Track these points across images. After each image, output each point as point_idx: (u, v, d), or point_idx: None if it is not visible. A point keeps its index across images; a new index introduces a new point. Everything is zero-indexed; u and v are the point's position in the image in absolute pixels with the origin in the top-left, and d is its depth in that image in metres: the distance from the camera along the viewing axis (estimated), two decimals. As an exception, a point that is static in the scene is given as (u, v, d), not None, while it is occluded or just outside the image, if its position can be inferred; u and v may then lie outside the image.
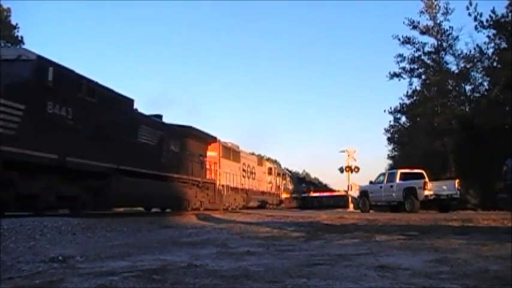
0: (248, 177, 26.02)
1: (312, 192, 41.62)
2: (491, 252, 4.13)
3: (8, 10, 26.12)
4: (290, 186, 37.88)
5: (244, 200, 24.68)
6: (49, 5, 76.99)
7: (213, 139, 20.02)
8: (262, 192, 29.13)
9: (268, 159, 43.03)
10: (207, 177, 18.78)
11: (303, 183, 45.48)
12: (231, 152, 23.62)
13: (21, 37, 26.41)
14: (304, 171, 71.32)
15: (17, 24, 26.42)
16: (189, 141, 16.99)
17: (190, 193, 16.91)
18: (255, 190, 27.13)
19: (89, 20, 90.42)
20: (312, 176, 72.93)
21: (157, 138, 14.22)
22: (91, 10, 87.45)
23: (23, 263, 3.67)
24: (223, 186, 20.89)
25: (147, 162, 13.26)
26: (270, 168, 32.50)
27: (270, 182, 31.66)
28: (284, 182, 35.91)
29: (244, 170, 25.23)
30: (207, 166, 19.08)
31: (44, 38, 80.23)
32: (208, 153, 19.51)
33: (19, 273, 3.19)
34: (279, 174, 34.95)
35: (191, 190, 16.98)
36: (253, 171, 27.33)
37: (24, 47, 25.60)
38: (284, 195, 36.37)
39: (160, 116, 15.85)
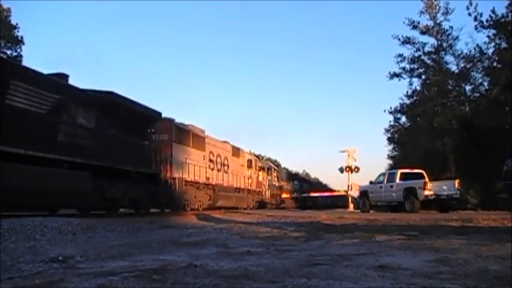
0: (218, 170, 21.32)
1: (312, 192, 41.61)
2: (491, 252, 4.13)
3: (8, 10, 26.16)
4: (277, 183, 33.89)
5: (210, 198, 20.11)
6: (49, 5, 77.02)
7: (159, 116, 15.18)
8: (238, 189, 24.37)
9: (262, 159, 39.59)
10: (152, 167, 14.38)
11: (295, 180, 41.72)
12: (191, 137, 18.52)
13: (21, 37, 26.47)
14: (304, 171, 71.32)
15: (17, 24, 26.47)
16: (115, 115, 12.36)
17: (114, 189, 12.38)
18: (226, 186, 22.21)
19: (89, 20, 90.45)
20: (312, 176, 72.94)
21: (49, 103, 10.04)
22: (91, 10, 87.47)
23: (23, 263, 3.67)
24: (174, 179, 16.17)
25: (26, 137, 9.19)
26: (250, 161, 27.52)
27: (250, 177, 27.05)
28: (269, 177, 31.61)
29: (211, 161, 20.42)
30: (153, 153, 14.66)
31: (44, 38, 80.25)
32: (156, 136, 15.51)
33: (19, 273, 3.19)
34: (262, 169, 30.33)
35: (118, 185, 12.49)
36: (225, 162, 22.47)
37: (24, 47, 25.66)
38: (284, 195, 36.33)
39: (64, 76, 11.48)
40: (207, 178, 19.65)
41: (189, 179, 17.44)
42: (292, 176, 43.04)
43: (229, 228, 8.83)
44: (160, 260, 3.88)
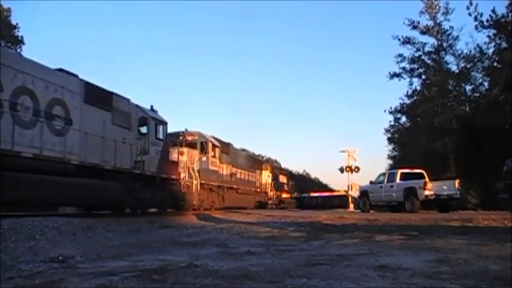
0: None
1: (312, 192, 41.60)
2: (492, 252, 4.13)
3: (8, 10, 26.13)
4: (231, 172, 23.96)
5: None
6: (49, 5, 77.02)
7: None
8: (248, 190, 24.84)
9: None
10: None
11: (277, 176, 35.32)
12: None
13: (21, 37, 26.46)
14: (304, 171, 71.19)
15: (17, 24, 26.45)
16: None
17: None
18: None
19: (89, 20, 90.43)
20: (312, 176, 72.91)
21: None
22: (91, 10, 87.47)
23: (23, 263, 3.67)
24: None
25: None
26: (254, 160, 27.12)
27: (255, 178, 26.41)
28: (268, 176, 29.41)
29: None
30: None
31: (44, 38, 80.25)
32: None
33: (19, 273, 3.20)
34: (263, 168, 29.01)
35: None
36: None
37: (24, 47, 25.58)
38: (284, 195, 36.24)
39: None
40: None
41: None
42: (278, 170, 37.03)
43: (230, 228, 8.83)
44: (161, 260, 3.89)
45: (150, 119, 13.82)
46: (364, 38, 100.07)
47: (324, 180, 69.72)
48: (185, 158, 16.79)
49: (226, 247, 5.13)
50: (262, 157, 48.59)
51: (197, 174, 17.34)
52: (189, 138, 18.90)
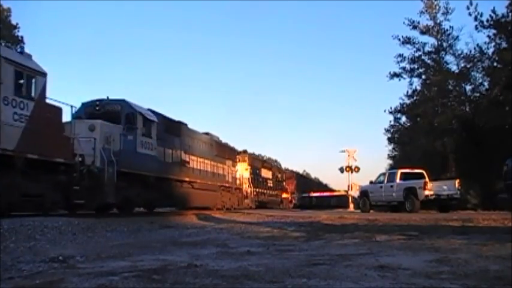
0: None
1: (312, 192, 41.62)
2: (492, 252, 4.13)
3: (8, 10, 26.14)
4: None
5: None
6: (49, 5, 77.00)
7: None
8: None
9: None
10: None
11: (259, 170, 29.93)
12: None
13: (21, 37, 26.45)
14: (304, 171, 71.20)
15: (17, 24, 26.45)
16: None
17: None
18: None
19: (89, 20, 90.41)
20: (312, 176, 72.91)
21: None
22: (91, 10, 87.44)
23: (23, 263, 3.67)
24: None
25: None
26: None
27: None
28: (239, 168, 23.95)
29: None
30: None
31: (44, 37, 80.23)
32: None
33: (19, 273, 3.19)
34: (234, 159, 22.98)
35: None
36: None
37: (24, 46, 25.56)
38: (284, 195, 36.18)
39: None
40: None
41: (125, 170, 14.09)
42: (260, 163, 31.01)
43: (230, 228, 8.83)
44: (161, 260, 3.88)
45: (4, 62, 8.71)
46: (364, 38, 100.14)
47: (324, 180, 69.80)
48: (96, 134, 11.54)
49: (227, 247, 5.13)
50: (263, 157, 48.38)
51: (113, 158, 11.69)
52: (109, 108, 13.07)
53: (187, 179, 16.69)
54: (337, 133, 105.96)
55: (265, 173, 31.09)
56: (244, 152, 29.14)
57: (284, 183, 37.08)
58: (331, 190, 48.78)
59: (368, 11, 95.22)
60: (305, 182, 48.03)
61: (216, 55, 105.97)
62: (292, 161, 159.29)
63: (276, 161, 48.51)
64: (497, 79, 23.57)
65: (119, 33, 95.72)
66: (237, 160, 24.79)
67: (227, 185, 21.48)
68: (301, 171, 60.80)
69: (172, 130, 15.98)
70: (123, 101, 13.61)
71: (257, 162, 30.46)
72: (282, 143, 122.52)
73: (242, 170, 25.61)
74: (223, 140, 23.86)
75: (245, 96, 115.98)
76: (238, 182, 23.87)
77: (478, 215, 11.95)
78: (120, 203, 12.68)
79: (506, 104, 22.90)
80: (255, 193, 27.35)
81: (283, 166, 45.79)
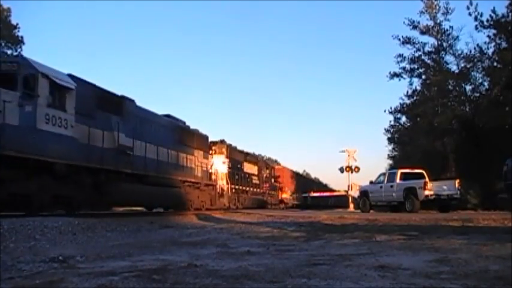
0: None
1: (312, 192, 41.64)
2: (492, 252, 4.12)
3: (8, 10, 26.15)
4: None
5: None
6: (49, 4, 76.93)
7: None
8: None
9: None
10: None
11: (240, 164, 25.88)
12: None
13: (22, 37, 26.46)
14: (304, 171, 71.20)
15: (17, 24, 26.46)
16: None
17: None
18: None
19: (89, 19, 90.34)
20: (312, 176, 72.95)
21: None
22: (91, 9, 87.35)
23: (23, 263, 3.67)
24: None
25: None
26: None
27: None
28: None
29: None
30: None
31: (44, 37, 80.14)
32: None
33: (19, 273, 3.19)
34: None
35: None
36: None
37: (24, 47, 25.51)
38: (285, 195, 36.13)
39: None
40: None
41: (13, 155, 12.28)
42: (241, 154, 26.23)
43: (230, 228, 8.83)
44: (161, 260, 3.88)
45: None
46: (364, 38, 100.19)
47: (324, 180, 69.87)
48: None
49: (227, 247, 5.13)
50: (262, 157, 48.15)
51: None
52: (3, 69, 9.49)
53: (128, 171, 12.90)
54: (337, 133, 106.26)
55: (249, 168, 27.03)
56: (222, 142, 23.66)
57: (274, 180, 33.72)
58: (331, 190, 48.86)
59: (368, 11, 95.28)
60: (305, 182, 48.02)
61: (217, 55, 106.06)
62: (292, 161, 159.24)
63: (276, 160, 48.07)
64: (497, 79, 23.57)
65: (119, 32, 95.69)
66: (212, 151, 21.80)
67: (194, 180, 17.76)
68: (301, 171, 60.70)
69: (109, 106, 12.41)
70: (22, 58, 10.96)
71: (238, 155, 25.59)
72: (282, 143, 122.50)
73: (218, 164, 22.14)
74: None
75: (245, 96, 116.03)
76: (212, 177, 20.65)
77: (478, 215, 11.95)
78: (6, 200, 8.79)
79: (506, 104, 22.90)
80: (233, 190, 23.52)
81: (283, 165, 44.74)
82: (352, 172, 30.26)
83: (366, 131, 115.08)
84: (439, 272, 3.10)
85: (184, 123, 18.34)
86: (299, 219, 11.94)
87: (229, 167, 23.14)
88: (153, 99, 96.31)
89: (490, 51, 24.84)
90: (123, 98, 13.71)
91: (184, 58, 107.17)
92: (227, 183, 22.69)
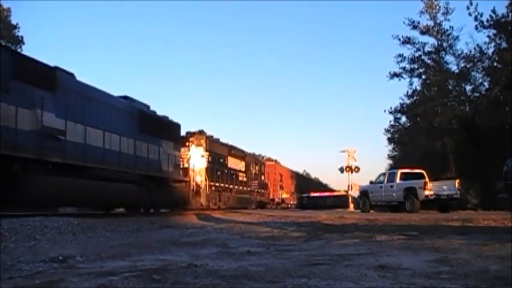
0: None
1: (312, 192, 41.62)
2: (492, 252, 4.12)
3: (8, 10, 26.16)
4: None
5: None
6: (49, 4, 76.95)
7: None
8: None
9: None
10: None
11: (224, 158, 23.11)
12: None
13: (22, 37, 26.46)
14: (304, 171, 71.17)
15: (17, 24, 26.46)
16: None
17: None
18: None
19: (89, 19, 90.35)
20: (312, 176, 72.95)
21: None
22: (91, 9, 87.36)
23: (23, 263, 3.67)
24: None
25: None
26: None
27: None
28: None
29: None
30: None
31: (44, 37, 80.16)
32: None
33: (19, 273, 3.19)
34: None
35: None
36: None
37: (24, 47, 25.43)
38: (284, 195, 36.06)
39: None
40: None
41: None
42: (220, 147, 22.93)
43: (230, 228, 8.83)
44: (161, 260, 3.88)
45: None
46: (364, 37, 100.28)
47: (324, 180, 69.87)
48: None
49: (227, 247, 5.13)
50: (263, 157, 47.97)
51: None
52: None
53: (57, 160, 10.36)
54: (337, 133, 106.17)
55: (235, 164, 24.33)
56: (200, 132, 20.77)
57: (263, 177, 31.19)
58: (331, 190, 48.78)
59: (368, 10, 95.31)
60: (305, 182, 47.98)
61: (217, 54, 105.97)
62: (292, 161, 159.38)
63: (276, 160, 47.74)
64: (497, 79, 23.57)
65: (120, 32, 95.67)
66: (188, 143, 19.49)
67: (159, 175, 15.03)
68: (301, 171, 60.62)
69: (32, 78, 9.87)
70: None
71: (221, 148, 22.79)
72: (282, 143, 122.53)
73: (196, 157, 19.54)
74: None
75: (245, 96, 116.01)
76: (189, 172, 18.50)
77: (478, 215, 11.95)
78: None
79: (506, 104, 22.90)
80: (213, 188, 20.82)
81: (283, 165, 44.23)
82: (352, 172, 30.28)
83: (366, 131, 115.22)
84: (439, 272, 3.10)
85: (148, 107, 15.63)
86: (299, 219, 11.93)
87: (209, 162, 20.33)
88: (153, 100, 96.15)
89: (490, 51, 24.87)
90: (56, 69, 10.98)
91: (184, 58, 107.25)
92: (205, 180, 19.86)
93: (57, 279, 2.92)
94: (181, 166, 17.97)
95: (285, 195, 36.30)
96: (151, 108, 16.00)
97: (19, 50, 25.01)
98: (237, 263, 3.66)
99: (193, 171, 19.31)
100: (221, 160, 22.48)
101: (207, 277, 2.97)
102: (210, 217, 13.11)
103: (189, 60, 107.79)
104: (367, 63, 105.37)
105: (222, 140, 23.61)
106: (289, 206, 37.65)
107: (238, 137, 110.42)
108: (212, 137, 22.11)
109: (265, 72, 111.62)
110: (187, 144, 19.39)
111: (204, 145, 20.46)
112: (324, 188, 56.54)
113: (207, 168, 20.11)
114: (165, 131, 16.03)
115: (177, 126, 17.75)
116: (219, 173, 21.73)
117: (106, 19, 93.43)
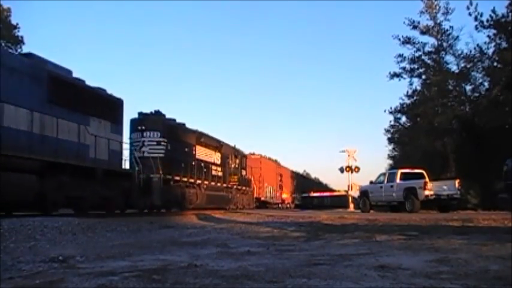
0: None
1: (312, 192, 41.63)
2: (492, 252, 4.13)
3: (8, 10, 26.14)
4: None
5: None
6: (49, 4, 76.97)
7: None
8: None
9: None
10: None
11: (190, 148, 18.37)
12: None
13: (22, 37, 26.45)
14: (304, 171, 71.11)
15: (17, 24, 26.44)
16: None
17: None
18: None
19: (89, 19, 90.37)
20: (312, 176, 72.93)
21: None
22: (91, 9, 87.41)
23: (23, 263, 3.67)
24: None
25: None
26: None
27: None
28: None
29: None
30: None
31: (44, 37, 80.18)
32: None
33: (19, 273, 3.19)
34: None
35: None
36: None
37: (24, 47, 25.42)
38: (284, 195, 36.09)
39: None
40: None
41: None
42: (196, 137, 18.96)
43: (230, 228, 8.83)
44: (161, 260, 3.88)
45: None
46: (364, 37, 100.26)
47: (324, 180, 69.88)
48: None
49: (227, 247, 5.13)
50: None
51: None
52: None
53: None
54: (337, 133, 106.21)
55: (206, 155, 19.98)
56: (156, 113, 16.80)
57: (245, 172, 26.30)
58: (331, 190, 48.81)
59: (368, 10, 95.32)
60: (305, 182, 47.99)
61: (216, 54, 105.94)
62: (292, 161, 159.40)
63: (276, 160, 47.46)
64: (497, 79, 23.58)
65: (120, 32, 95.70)
66: (140, 127, 15.98)
67: (82, 164, 11.24)
68: (301, 171, 60.50)
69: None
70: None
71: (185, 135, 18.37)
72: (282, 143, 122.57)
73: (150, 144, 15.89)
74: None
75: (245, 96, 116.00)
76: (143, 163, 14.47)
77: (478, 215, 11.95)
78: None
79: (506, 104, 22.90)
80: (171, 183, 16.29)
81: (283, 165, 41.44)
82: (352, 172, 30.28)
83: (366, 131, 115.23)
84: (439, 272, 3.10)
85: (70, 72, 11.88)
86: (299, 219, 11.94)
87: (167, 150, 16.17)
88: (153, 99, 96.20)
89: (490, 51, 24.85)
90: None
91: (184, 57, 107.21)
92: (158, 172, 15.18)
93: (57, 279, 2.92)
94: (133, 155, 14.52)
95: (285, 195, 36.31)
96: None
97: (19, 50, 25.05)
98: (237, 263, 3.66)
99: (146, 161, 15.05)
100: (186, 149, 18.03)
101: (207, 277, 2.97)
102: (210, 217, 13.12)
103: (189, 60, 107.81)
104: (367, 63, 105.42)
105: (190, 126, 19.05)
106: (288, 206, 37.67)
107: (238, 137, 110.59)
108: (174, 120, 17.71)
109: (265, 72, 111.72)
110: (139, 128, 15.89)
111: (161, 130, 16.26)
112: (324, 188, 56.56)
113: (163, 158, 15.72)
114: (97, 106, 12.30)
115: (118, 102, 13.73)
116: (182, 164, 16.98)
117: (106, 19, 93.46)
